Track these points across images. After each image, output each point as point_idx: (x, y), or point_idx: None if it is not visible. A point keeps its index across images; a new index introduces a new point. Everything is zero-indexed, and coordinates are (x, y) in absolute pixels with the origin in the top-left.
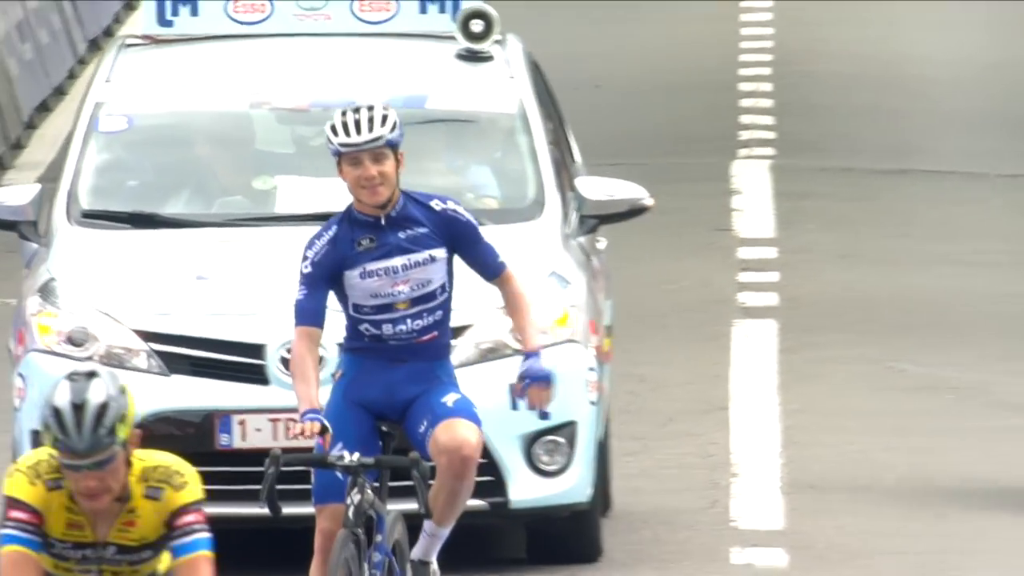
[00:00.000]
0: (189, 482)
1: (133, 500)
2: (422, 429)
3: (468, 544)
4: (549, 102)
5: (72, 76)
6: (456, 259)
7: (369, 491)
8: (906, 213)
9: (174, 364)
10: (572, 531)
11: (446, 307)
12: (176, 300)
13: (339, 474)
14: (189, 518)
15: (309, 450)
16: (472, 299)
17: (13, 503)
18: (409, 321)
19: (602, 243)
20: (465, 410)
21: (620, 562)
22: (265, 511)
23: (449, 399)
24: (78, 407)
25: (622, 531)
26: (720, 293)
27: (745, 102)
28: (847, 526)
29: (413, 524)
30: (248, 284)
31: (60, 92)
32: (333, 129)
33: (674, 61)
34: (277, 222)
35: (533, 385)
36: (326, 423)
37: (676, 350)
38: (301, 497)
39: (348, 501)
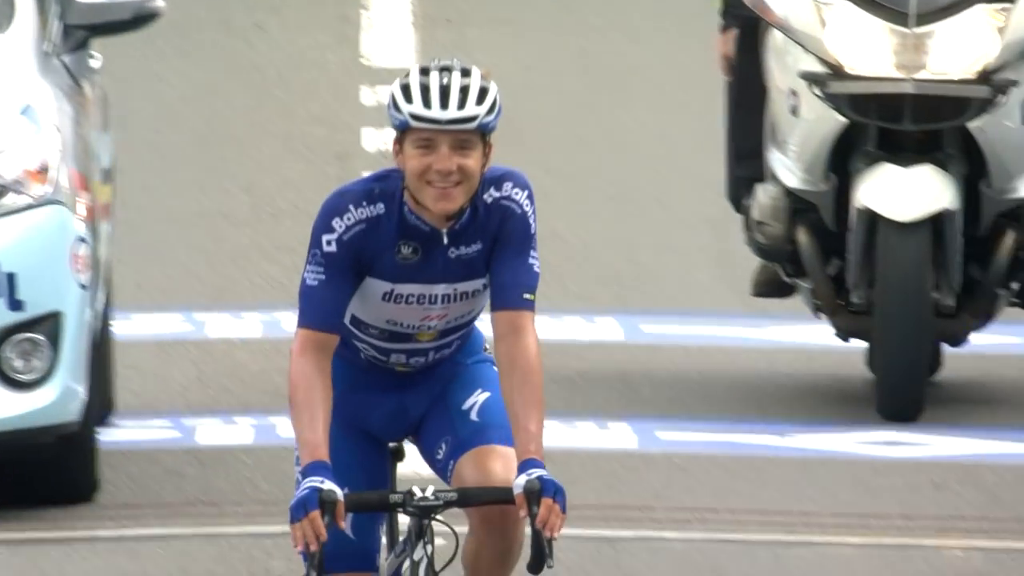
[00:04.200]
0: None
1: None
2: (440, 455)
3: None
4: None
5: None
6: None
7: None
8: None
9: None
10: (58, 461)
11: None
12: None
13: (350, 534)
14: None
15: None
16: None
17: None
18: (431, 353)
19: (97, 61)
20: (495, 424)
21: None
22: None
23: (473, 404)
24: None
25: None
26: None
27: None
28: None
29: None
30: None
31: None
32: (406, 92)
33: None
34: None
35: (557, 503)
36: (338, 493)
37: None
38: None
39: (418, 555)
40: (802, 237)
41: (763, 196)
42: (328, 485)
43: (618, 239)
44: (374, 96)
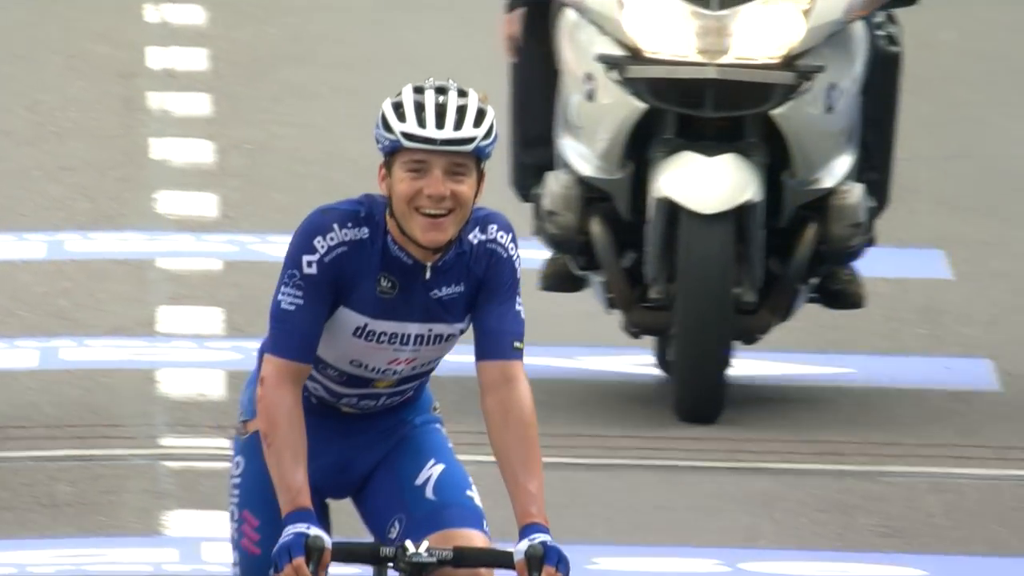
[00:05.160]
0: None
1: None
2: (394, 534)
3: None
4: None
5: None
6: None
7: None
8: None
9: None
10: None
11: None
12: None
13: None
14: None
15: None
16: None
17: None
18: (384, 398)
19: None
20: (454, 503)
21: None
22: None
23: (427, 479)
24: None
25: None
26: None
27: None
28: None
29: None
30: None
31: None
32: (398, 110)
33: None
34: None
35: (559, 572)
36: (326, 540)
37: None
38: None
39: None
40: (595, 228)
41: (554, 184)
42: (315, 531)
43: None
44: (158, 13)
